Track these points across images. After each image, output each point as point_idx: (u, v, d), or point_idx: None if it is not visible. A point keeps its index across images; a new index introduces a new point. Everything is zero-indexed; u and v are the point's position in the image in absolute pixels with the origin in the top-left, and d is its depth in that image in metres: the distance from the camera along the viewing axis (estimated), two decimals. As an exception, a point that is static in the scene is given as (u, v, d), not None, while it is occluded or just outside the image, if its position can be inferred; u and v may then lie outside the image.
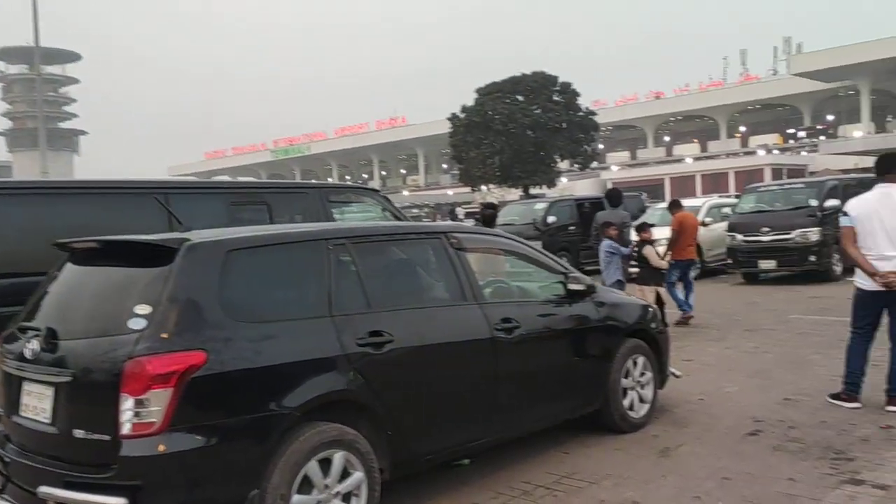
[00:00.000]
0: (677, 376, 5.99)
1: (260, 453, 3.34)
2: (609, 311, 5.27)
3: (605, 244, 9.17)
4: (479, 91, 48.29)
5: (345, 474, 3.59)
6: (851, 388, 5.54)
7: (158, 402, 3.12)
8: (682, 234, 10.14)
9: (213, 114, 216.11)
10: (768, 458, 4.58)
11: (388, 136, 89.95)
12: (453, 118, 49.26)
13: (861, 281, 5.50)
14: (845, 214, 5.55)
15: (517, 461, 4.76)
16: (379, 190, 8.76)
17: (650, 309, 5.84)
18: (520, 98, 46.96)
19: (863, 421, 5.16)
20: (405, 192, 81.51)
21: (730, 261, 14.74)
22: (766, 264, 14.00)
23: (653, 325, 5.67)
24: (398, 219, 7.45)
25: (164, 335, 3.21)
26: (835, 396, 5.65)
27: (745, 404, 5.77)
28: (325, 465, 3.52)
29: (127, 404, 3.12)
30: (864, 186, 12.53)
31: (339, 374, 3.66)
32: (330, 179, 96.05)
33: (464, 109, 48.60)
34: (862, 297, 5.53)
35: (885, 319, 5.52)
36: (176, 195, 5.69)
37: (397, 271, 4.46)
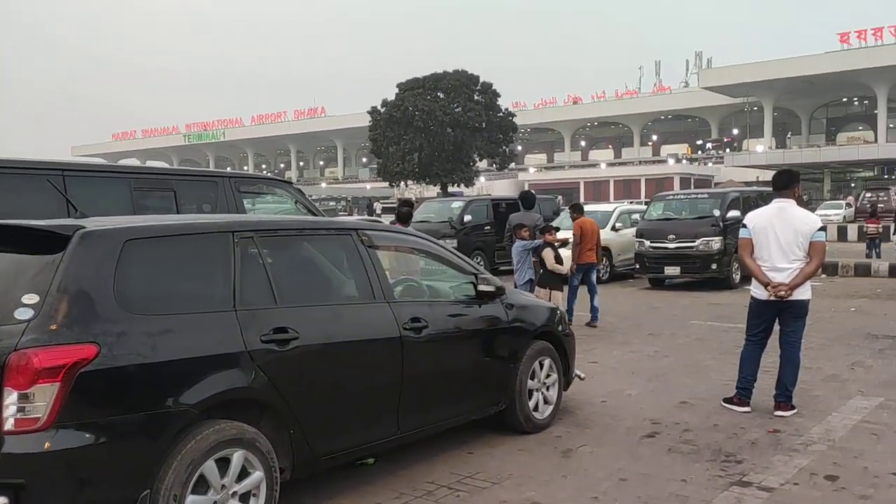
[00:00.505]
0: (582, 378, 6.13)
1: (153, 452, 3.21)
2: (517, 312, 5.33)
3: (518, 245, 9.29)
4: (400, 86, 48.18)
5: (243, 474, 3.50)
6: (743, 393, 5.80)
7: (44, 397, 2.96)
8: (583, 238, 10.42)
9: (130, 96, 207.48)
10: (663, 459, 4.74)
11: (306, 127, 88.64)
12: (373, 112, 49.01)
13: (755, 290, 5.76)
14: (744, 226, 5.80)
15: (422, 461, 4.75)
16: (293, 182, 8.59)
17: (558, 311, 5.93)
18: (441, 95, 47.15)
19: (752, 425, 5.40)
20: (323, 185, 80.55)
21: (637, 266, 15.19)
22: (671, 270, 14.51)
23: (560, 328, 5.77)
24: (311, 213, 7.33)
25: (53, 327, 3.05)
26: (728, 401, 5.89)
27: (644, 407, 5.95)
28: (224, 464, 3.42)
29: (10, 399, 2.96)
30: (763, 199, 13.25)
31: (241, 371, 3.56)
32: (246, 168, 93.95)
33: (384, 104, 48.42)
34: (756, 306, 5.79)
35: (777, 328, 5.80)
36: (73, 178, 5.40)
37: (306, 267, 4.37)
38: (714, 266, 14.05)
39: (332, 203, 56.71)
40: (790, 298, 5.51)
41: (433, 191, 52.07)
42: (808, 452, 4.78)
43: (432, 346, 4.59)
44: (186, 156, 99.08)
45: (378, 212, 39.42)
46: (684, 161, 70.16)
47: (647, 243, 14.78)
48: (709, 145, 74.10)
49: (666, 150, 79.35)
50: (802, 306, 5.63)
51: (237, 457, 3.45)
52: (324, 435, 3.95)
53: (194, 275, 3.74)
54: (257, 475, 3.53)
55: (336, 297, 4.38)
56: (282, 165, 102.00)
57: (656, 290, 14.56)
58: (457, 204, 18.66)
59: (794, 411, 5.62)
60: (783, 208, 5.65)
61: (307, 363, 3.85)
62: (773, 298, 5.55)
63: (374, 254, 4.49)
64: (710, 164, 68.17)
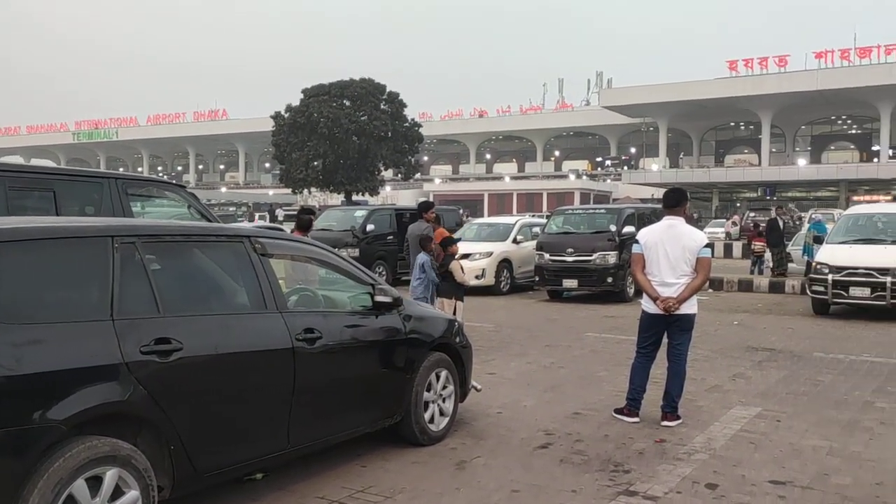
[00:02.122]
0: (478, 390, 6.15)
1: (16, 471, 2.98)
2: (415, 324, 5.29)
3: (423, 258, 9.25)
4: (305, 92, 47.55)
5: (117, 493, 3.29)
6: (633, 404, 5.96)
7: None
8: (435, 248, 10.43)
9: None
10: (555, 470, 4.79)
11: (206, 129, 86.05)
12: (277, 117, 48.16)
13: (646, 304, 5.95)
14: (636, 242, 5.99)
15: (313, 475, 4.63)
16: (185, 185, 8.26)
17: (455, 323, 5.93)
18: (346, 103, 46.86)
19: (640, 435, 5.55)
20: (223, 189, 78.41)
21: (537, 278, 15.47)
22: (569, 283, 14.85)
23: (457, 340, 5.77)
24: (205, 218, 7.06)
25: None
26: (619, 411, 6.04)
27: (539, 418, 6.02)
28: (96, 483, 3.21)
29: None
30: (657, 216, 13.74)
31: (117, 384, 3.36)
32: (140, 170, 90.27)
33: (288, 109, 47.65)
34: (646, 319, 5.98)
35: (666, 340, 6.00)
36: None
37: (193, 275, 4.19)
38: (610, 280, 14.47)
39: (231, 208, 55.27)
40: (678, 312, 5.72)
41: (337, 199, 51.62)
42: (691, 461, 4.94)
43: (326, 358, 4.48)
44: (76, 155, 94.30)
45: (280, 218, 38.66)
46: (585, 177, 72.33)
47: (547, 256, 15.08)
48: (608, 162, 76.68)
49: (567, 165, 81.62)
50: (689, 320, 5.85)
51: (110, 475, 3.24)
52: (208, 450, 3.77)
53: (68, 281, 3.50)
54: (132, 494, 3.33)
55: (225, 307, 4.21)
56: (179, 168, 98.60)
57: (555, 303, 14.87)
58: (360, 213, 18.52)
59: (680, 421, 5.82)
60: (672, 225, 5.87)
61: (191, 376, 3.68)
62: (661, 312, 5.74)
63: (268, 262, 4.36)
64: (608, 181, 70.54)
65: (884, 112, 54.43)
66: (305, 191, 52.00)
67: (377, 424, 5.04)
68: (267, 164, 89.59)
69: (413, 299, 9.05)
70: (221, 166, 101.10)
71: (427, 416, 5.28)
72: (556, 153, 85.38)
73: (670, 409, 5.84)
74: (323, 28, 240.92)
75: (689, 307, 5.80)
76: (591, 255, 14.56)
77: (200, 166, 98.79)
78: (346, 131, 45.54)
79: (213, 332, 3.87)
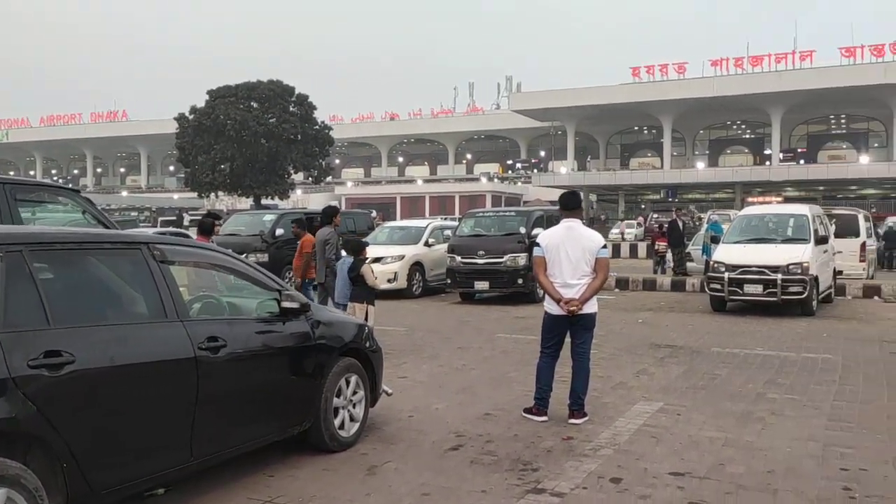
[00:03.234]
0: (389, 394, 6.13)
1: None
2: (323, 329, 5.23)
3: (345, 261, 9.15)
4: (210, 93, 46.30)
5: (5, 516, 3.11)
6: (541, 403, 6.08)
7: None
8: (306, 255, 10.45)
9: None
10: (465, 471, 4.83)
11: (105, 131, 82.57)
12: (181, 119, 46.69)
13: (548, 306, 6.07)
14: (538, 245, 6.11)
15: (218, 487, 4.51)
16: (80, 190, 7.89)
17: (365, 328, 5.90)
18: (254, 105, 45.91)
19: (548, 433, 5.66)
20: (124, 193, 75.45)
21: (449, 281, 15.56)
22: (481, 285, 15.01)
23: (367, 344, 5.74)
24: (102, 224, 6.76)
25: None
26: (528, 411, 6.14)
27: (450, 420, 6.06)
28: (-20, 507, 3.03)
29: None
30: (551, 220, 14.05)
31: (4, 401, 3.17)
32: (32, 173, 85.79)
33: (193, 110, 46.27)
34: (549, 320, 6.11)
35: (569, 340, 6.15)
36: None
37: (87, 284, 4.00)
38: (520, 281, 14.70)
39: (133, 213, 53.18)
40: (580, 312, 5.87)
41: (246, 203, 50.49)
42: (597, 457, 5.08)
43: (231, 367, 4.37)
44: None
45: (186, 223, 37.46)
46: (496, 180, 73.37)
47: (459, 259, 15.19)
48: (518, 165, 77.99)
49: (479, 168, 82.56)
50: (591, 319, 6.01)
51: (-2, 497, 3.07)
52: (104, 467, 3.61)
53: (-54, 293, 3.29)
54: (22, 516, 3.15)
55: (121, 317, 4.04)
56: (75, 171, 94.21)
57: (467, 305, 15.00)
58: (269, 217, 18.16)
59: (587, 418, 5.97)
60: (571, 227, 6.02)
61: (84, 389, 3.51)
62: (564, 313, 5.89)
63: (167, 269, 4.21)
64: (519, 184, 71.77)
65: (774, 118, 57.55)
66: (213, 195, 50.63)
67: (286, 432, 4.95)
68: (171, 168, 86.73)
69: (337, 303, 9.02)
70: (122, 169, 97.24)
71: (337, 422, 5.23)
72: (468, 156, 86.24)
73: (577, 406, 5.98)
74: (228, 26, 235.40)
75: (591, 307, 5.96)
76: (501, 258, 14.75)
77: (99, 169, 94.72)
78: (254, 134, 44.61)
79: (109, 344, 3.70)
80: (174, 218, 42.69)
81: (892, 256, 23.41)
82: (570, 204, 6.18)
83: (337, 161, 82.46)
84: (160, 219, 44.04)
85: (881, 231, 23.72)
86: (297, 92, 47.39)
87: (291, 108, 47.04)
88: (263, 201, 48.10)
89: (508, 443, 5.43)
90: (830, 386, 7.25)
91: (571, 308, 5.82)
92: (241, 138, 44.56)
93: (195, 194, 51.03)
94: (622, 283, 17.69)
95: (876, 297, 15.23)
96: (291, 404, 4.94)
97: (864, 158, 58.46)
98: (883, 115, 58.15)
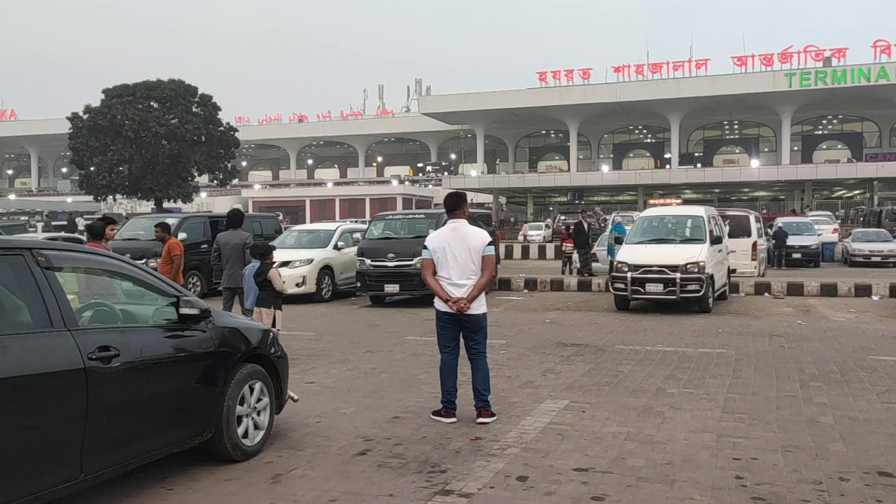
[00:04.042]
0: (295, 400, 6.01)
1: None
2: (225, 335, 5.07)
3: (253, 267, 8.90)
4: (106, 92, 44.34)
5: None
6: (448, 406, 6.09)
7: None
8: (176, 259, 10.19)
9: None
10: (373, 475, 4.78)
11: (-9, 131, 77.88)
12: (74, 118, 44.51)
13: (438, 304, 6.11)
14: (425, 248, 6.13)
15: (112, 503, 4.29)
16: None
17: (270, 333, 5.76)
18: (154, 105, 44.24)
19: (457, 434, 5.68)
20: (11, 196, 71.36)
21: (359, 284, 15.44)
22: (391, 288, 14.94)
23: (272, 350, 5.61)
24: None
25: None
26: (436, 413, 6.15)
27: (358, 424, 5.99)
28: None
29: None
30: (472, 220, 14.17)
31: None
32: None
33: (87, 110, 44.20)
34: (439, 318, 6.15)
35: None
36: None
37: (-38, 292, 3.74)
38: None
39: (23, 217, 50.35)
40: (468, 313, 5.94)
41: (147, 206, 48.67)
42: (504, 456, 5.13)
43: (125, 377, 4.17)
44: None
45: (81, 227, 35.76)
46: (406, 182, 73.41)
47: (368, 262, 15.09)
48: (429, 168, 78.32)
49: (389, 171, 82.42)
50: (479, 321, 6.08)
51: None
52: (-18, 487, 3.38)
53: None
54: None
55: (1, 326, 3.79)
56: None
57: (377, 308, 14.91)
58: (170, 221, 17.49)
59: (495, 418, 6.02)
60: (456, 228, 6.09)
61: (-41, 405, 3.27)
62: (453, 311, 5.93)
63: (53, 276, 3.99)
64: (430, 186, 72.05)
65: (673, 123, 59.93)
66: (110, 198, 48.54)
67: (186, 443, 4.77)
68: (64, 170, 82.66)
69: (247, 309, 8.78)
70: (10, 171, 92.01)
71: (240, 430, 5.08)
72: (379, 159, 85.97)
73: (482, 405, 6.03)
74: (123, 28, 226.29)
75: (479, 308, 6.03)
76: (411, 260, 14.72)
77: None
78: (154, 135, 43.00)
79: (-13, 356, 3.47)
80: (65, 223, 40.69)
81: (782, 255, 24.74)
82: (451, 205, 6.24)
83: (244, 163, 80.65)
84: (52, 223, 41.90)
85: (771, 231, 25.05)
86: (200, 92, 45.97)
87: (194, 109, 45.58)
88: (165, 205, 46.46)
89: (417, 445, 5.41)
90: (724, 379, 7.58)
91: (460, 308, 5.87)
92: (140, 139, 42.87)
93: (91, 197, 48.76)
94: (531, 284, 18.00)
95: (766, 294, 16.07)
96: (191, 414, 4.76)
97: (755, 162, 61.61)
98: (772, 121, 61.48)
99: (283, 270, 14.77)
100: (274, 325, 8.62)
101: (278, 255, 14.14)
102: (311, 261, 15.78)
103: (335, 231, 17.34)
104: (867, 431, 5.64)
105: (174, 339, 4.69)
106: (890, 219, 33.59)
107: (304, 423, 6.04)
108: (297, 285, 15.23)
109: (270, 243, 10.58)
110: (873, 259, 25.16)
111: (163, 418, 4.55)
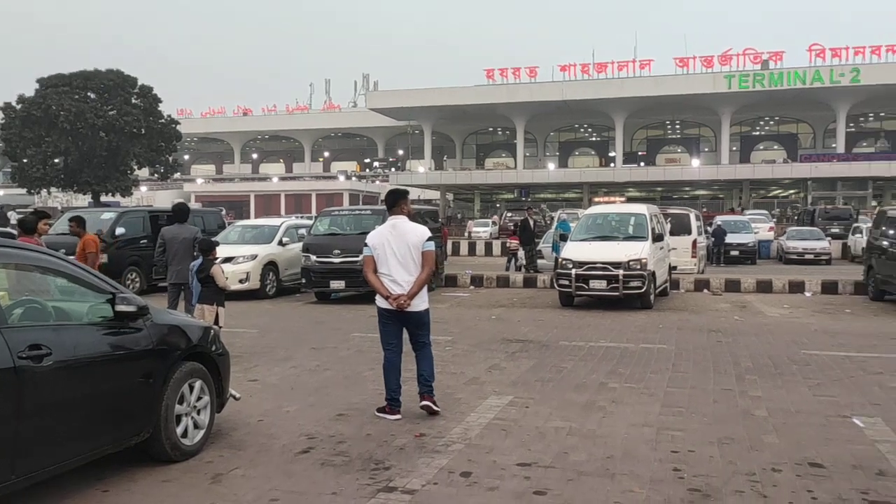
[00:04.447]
0: (237, 398, 5.92)
1: None
2: (164, 333, 4.96)
3: (198, 263, 8.71)
4: (41, 82, 42.87)
5: None
6: (392, 403, 6.08)
7: None
8: (93, 254, 10.01)
9: None
10: (316, 474, 4.74)
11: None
12: (6, 108, 42.93)
13: (379, 301, 6.11)
14: (366, 245, 6.13)
15: (44, 508, 4.16)
16: None
17: (211, 330, 5.66)
18: (91, 96, 42.93)
19: (401, 431, 5.67)
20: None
21: (304, 281, 15.28)
22: (337, 284, 14.84)
23: (213, 348, 5.50)
24: None
25: None
26: (381, 410, 6.13)
27: (301, 422, 5.93)
28: None
29: None
30: (420, 216, 14.14)
31: None
32: None
33: (21, 100, 42.68)
34: (382, 315, 6.15)
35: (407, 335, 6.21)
36: None
37: None
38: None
39: (-55, 211, 48.31)
40: (410, 310, 5.96)
41: (84, 200, 47.24)
42: (448, 452, 5.14)
43: (59, 376, 4.04)
44: None
45: (13, 221, 34.49)
46: (354, 178, 72.93)
47: (314, 258, 14.96)
48: (376, 164, 77.92)
49: (336, 166, 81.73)
50: (421, 317, 6.10)
51: None
52: None
53: None
54: None
55: (-78, 325, 3.63)
56: None
57: (322, 305, 14.79)
58: (108, 215, 17.04)
59: (439, 412, 6.03)
60: (396, 225, 6.10)
61: None
62: (394, 308, 5.94)
63: (-20, 272, 3.83)
64: (377, 182, 71.70)
65: (618, 122, 60.89)
66: (44, 191, 46.96)
67: (123, 444, 4.64)
68: (-3, 161, 79.63)
69: (191, 305, 8.59)
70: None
71: (179, 430, 4.98)
72: (325, 154, 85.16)
73: (427, 390, 6.07)
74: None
75: (421, 304, 6.05)
76: (357, 256, 14.57)
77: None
78: (91, 126, 41.73)
79: None
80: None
81: (720, 252, 25.41)
82: (390, 202, 6.26)
83: (186, 157, 79.02)
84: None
85: (710, 229, 25.70)
86: (139, 83, 44.82)
87: (134, 100, 44.40)
88: (103, 198, 45.16)
89: (361, 443, 5.38)
90: (664, 374, 7.74)
91: (401, 304, 5.89)
92: (76, 131, 41.56)
93: (24, 190, 47.08)
94: (477, 281, 18.09)
95: (705, 290, 16.48)
96: (128, 413, 4.64)
97: (696, 162, 63.06)
98: (712, 121, 62.98)
99: (227, 266, 14.48)
100: (216, 323, 8.48)
101: (221, 251, 13.95)
102: (255, 257, 15.56)
103: (280, 227, 17.12)
104: (799, 423, 5.84)
105: (110, 337, 4.57)
106: (823, 218, 34.88)
107: (246, 421, 5.95)
108: (241, 281, 15.00)
109: (213, 239, 10.39)
110: (807, 256, 26.05)
111: (99, 418, 4.42)
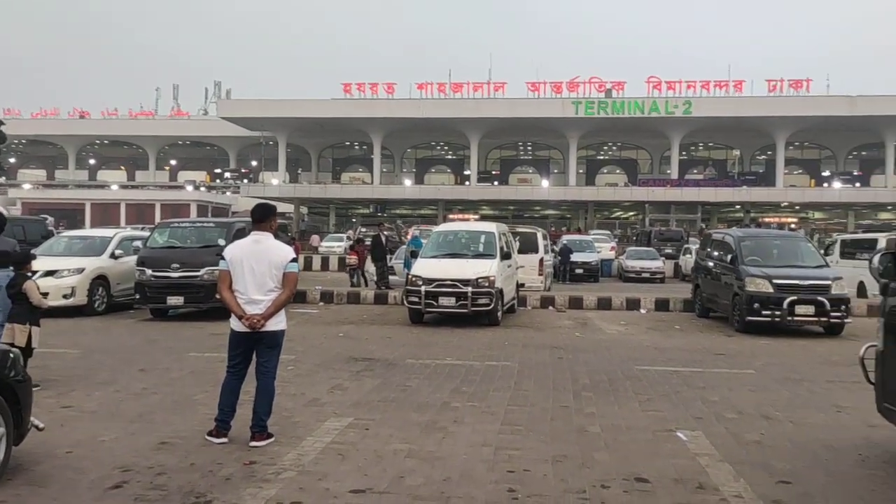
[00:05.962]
0: (41, 429, 5.30)
1: None
2: (-52, 358, 4.35)
3: (6, 276, 7.80)
4: None
5: None
6: (221, 425, 5.72)
7: None
8: None
9: None
10: (128, 512, 4.31)
11: None
12: None
13: (233, 322, 5.77)
14: (223, 258, 5.78)
15: None
16: None
17: (10, 354, 5.05)
18: None
19: (230, 459, 5.30)
20: None
21: (138, 296, 14.31)
22: (175, 300, 14.01)
23: (11, 373, 4.91)
24: None
25: None
26: (210, 433, 5.74)
27: (118, 453, 5.42)
28: None
29: None
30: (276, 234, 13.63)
31: None
32: None
33: None
34: (233, 337, 5.81)
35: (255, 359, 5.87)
36: None
37: None
38: (219, 296, 13.93)
39: None
40: (264, 329, 5.64)
41: None
42: (279, 481, 4.85)
43: None
44: None
45: None
46: (203, 188, 69.92)
47: (149, 272, 14.07)
48: (227, 174, 75.13)
49: (184, 175, 78.00)
50: (275, 337, 5.80)
51: None
52: None
53: None
54: None
55: None
56: None
57: (158, 322, 13.91)
58: None
59: (272, 440, 5.72)
60: (259, 241, 5.78)
61: None
62: (247, 329, 5.61)
63: None
64: (228, 193, 69.14)
65: (473, 141, 62.32)
66: None
67: None
68: None
69: (1, 323, 7.67)
70: None
71: (-35, 468, 4.38)
72: (172, 162, 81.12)
73: (259, 428, 5.71)
74: None
75: (277, 324, 5.75)
76: (198, 270, 13.93)
77: None
78: None
79: None
80: None
81: (566, 270, 26.43)
82: (257, 216, 5.94)
83: (12, 160, 72.84)
84: None
85: (557, 248, 26.70)
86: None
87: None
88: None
89: (183, 474, 4.97)
90: (506, 392, 7.81)
91: (254, 325, 5.57)
92: None
93: None
94: (327, 297, 17.72)
95: (550, 308, 17.01)
96: None
97: (546, 183, 65.67)
98: (561, 144, 65.84)
99: (49, 280, 13.39)
100: (29, 344, 7.68)
101: (43, 264, 12.82)
102: (82, 270, 14.39)
103: (113, 238, 15.97)
104: (629, 439, 6.02)
105: None
106: (658, 239, 37.27)
107: (52, 453, 5.36)
108: (65, 297, 13.84)
109: (32, 250, 9.46)
110: (643, 275, 27.64)
111: None
